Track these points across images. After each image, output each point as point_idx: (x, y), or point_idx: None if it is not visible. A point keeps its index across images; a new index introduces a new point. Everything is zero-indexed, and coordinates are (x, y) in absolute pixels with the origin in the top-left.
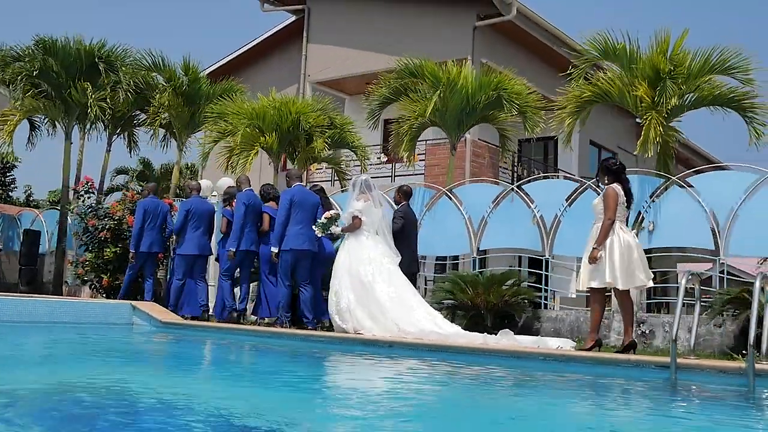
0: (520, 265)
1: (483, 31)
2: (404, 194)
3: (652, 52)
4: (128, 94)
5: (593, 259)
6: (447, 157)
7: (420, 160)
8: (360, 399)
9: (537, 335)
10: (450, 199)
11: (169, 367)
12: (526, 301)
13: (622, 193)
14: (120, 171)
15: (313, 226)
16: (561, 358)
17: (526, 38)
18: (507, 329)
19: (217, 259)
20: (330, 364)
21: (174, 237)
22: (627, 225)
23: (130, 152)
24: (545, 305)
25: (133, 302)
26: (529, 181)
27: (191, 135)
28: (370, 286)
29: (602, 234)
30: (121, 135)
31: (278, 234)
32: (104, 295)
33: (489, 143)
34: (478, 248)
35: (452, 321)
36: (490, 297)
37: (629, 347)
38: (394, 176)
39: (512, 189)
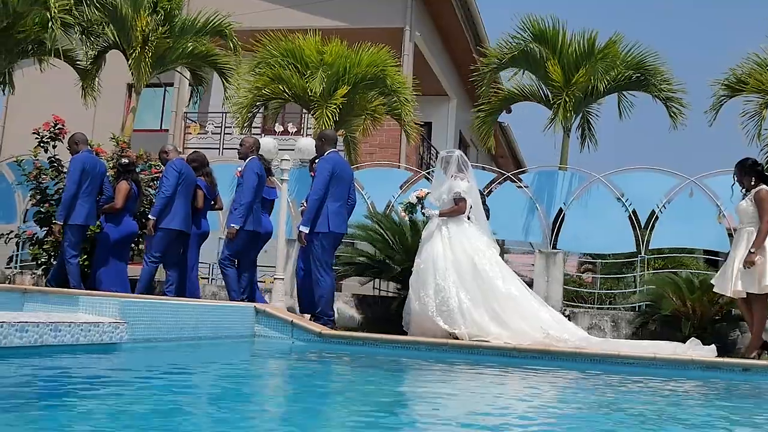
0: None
1: (417, 1)
2: None
3: None
4: (95, 9)
5: (750, 264)
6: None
7: None
8: None
9: (735, 347)
10: (609, 188)
11: None
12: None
13: None
14: None
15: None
16: None
17: (450, 19)
18: (694, 338)
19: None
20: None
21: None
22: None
23: (3, 90)
24: None
25: (256, 304)
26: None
27: (156, 75)
28: (490, 283)
29: (760, 238)
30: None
31: (313, 210)
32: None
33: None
34: (647, 246)
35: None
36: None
37: (765, 347)
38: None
39: (691, 181)
